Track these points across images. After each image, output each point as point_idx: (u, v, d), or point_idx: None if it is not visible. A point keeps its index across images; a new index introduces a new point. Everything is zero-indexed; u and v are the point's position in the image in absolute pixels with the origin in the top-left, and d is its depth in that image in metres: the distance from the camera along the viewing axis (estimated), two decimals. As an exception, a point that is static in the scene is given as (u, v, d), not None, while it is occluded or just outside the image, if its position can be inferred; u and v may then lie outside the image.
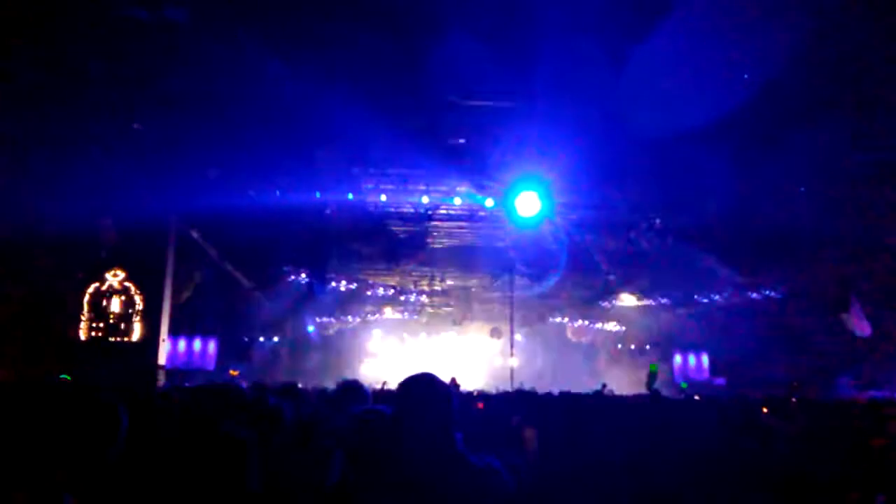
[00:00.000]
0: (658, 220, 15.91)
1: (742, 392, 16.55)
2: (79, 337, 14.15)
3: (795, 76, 9.73)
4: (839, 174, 12.50)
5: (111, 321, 14.29)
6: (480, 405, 8.79)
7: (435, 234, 17.26)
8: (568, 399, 8.70)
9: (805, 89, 10.18)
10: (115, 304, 14.34)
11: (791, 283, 18.40)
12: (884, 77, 9.75)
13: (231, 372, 17.12)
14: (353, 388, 3.79)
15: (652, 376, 10.80)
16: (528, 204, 12.11)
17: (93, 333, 14.23)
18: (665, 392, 17.51)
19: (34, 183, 11.86)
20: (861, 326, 16.10)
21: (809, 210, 13.54)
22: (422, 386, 2.43)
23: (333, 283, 21.43)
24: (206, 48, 8.95)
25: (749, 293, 20.02)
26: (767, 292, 19.64)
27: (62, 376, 10.65)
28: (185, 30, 8.79)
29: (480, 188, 13.90)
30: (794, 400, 10.09)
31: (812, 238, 14.59)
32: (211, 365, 21.68)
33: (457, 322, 27.38)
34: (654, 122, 10.35)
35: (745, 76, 9.98)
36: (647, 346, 27.64)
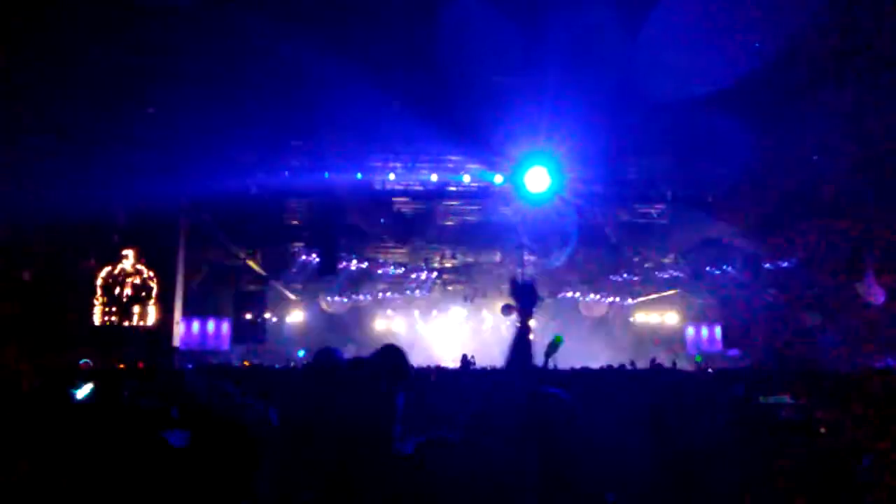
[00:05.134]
0: (670, 192, 15.81)
1: (757, 365, 16.55)
2: (93, 322, 14.24)
3: (810, 40, 9.56)
4: (854, 140, 12.33)
5: (125, 305, 14.38)
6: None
7: (444, 211, 17.21)
8: (585, 376, 8.67)
9: (819, 54, 10.01)
10: (129, 289, 14.42)
11: (804, 253, 18.26)
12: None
13: (244, 363, 17.26)
14: None
15: (552, 346, 10.24)
16: (538, 180, 12.02)
17: (107, 318, 14.32)
18: (680, 364, 17.53)
19: (47, 169, 11.89)
20: (875, 294, 15.98)
21: (824, 178, 13.39)
22: None
23: (344, 263, 21.46)
24: (214, 31, 8.90)
25: (762, 263, 19.88)
26: (781, 262, 19.49)
27: (82, 361, 10.79)
28: (191, 13, 8.73)
29: (490, 165, 13.82)
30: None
31: (827, 206, 14.45)
32: (225, 345, 21.87)
33: (468, 299, 27.41)
34: (665, 92, 10.23)
35: (757, 45, 9.84)
36: (661, 321, 27.65)
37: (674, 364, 14.20)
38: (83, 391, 4.46)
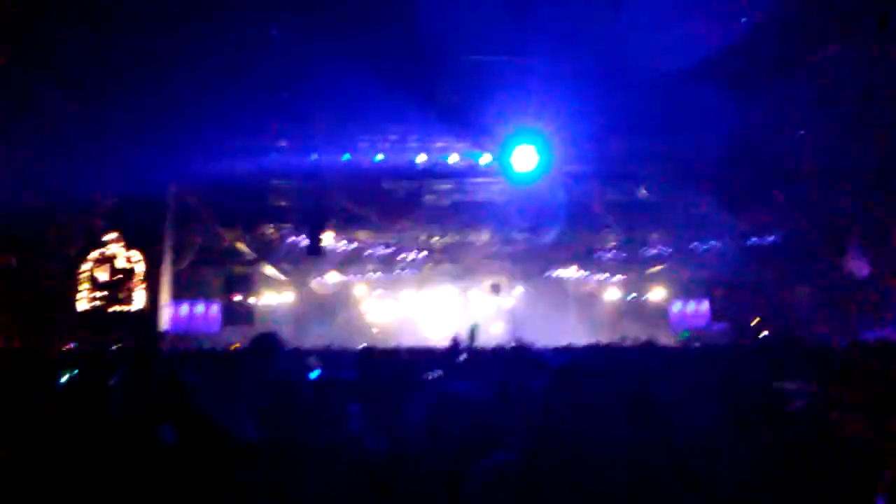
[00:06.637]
0: (657, 169, 15.84)
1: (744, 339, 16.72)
2: (79, 306, 14.14)
3: (793, 9, 9.55)
4: (839, 114, 12.36)
5: (111, 290, 14.27)
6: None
7: (432, 191, 17.19)
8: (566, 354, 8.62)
9: (802, 23, 10.01)
10: (115, 273, 14.31)
11: (790, 227, 18.40)
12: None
13: (232, 347, 17.22)
14: None
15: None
16: (525, 159, 12.00)
17: (93, 303, 14.21)
18: (665, 340, 17.66)
19: (29, 152, 11.73)
20: (858, 268, 16.14)
21: (808, 152, 13.45)
22: None
23: (333, 244, 21.41)
24: (198, 13, 8.78)
25: (748, 238, 20.03)
26: (767, 237, 19.64)
27: (68, 346, 10.74)
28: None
29: (477, 144, 13.79)
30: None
31: (812, 180, 14.54)
32: (215, 328, 21.81)
33: (457, 278, 27.49)
34: (650, 68, 10.19)
35: (744, 20, 9.82)
36: (647, 297, 27.82)
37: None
38: (68, 377, 4.41)
